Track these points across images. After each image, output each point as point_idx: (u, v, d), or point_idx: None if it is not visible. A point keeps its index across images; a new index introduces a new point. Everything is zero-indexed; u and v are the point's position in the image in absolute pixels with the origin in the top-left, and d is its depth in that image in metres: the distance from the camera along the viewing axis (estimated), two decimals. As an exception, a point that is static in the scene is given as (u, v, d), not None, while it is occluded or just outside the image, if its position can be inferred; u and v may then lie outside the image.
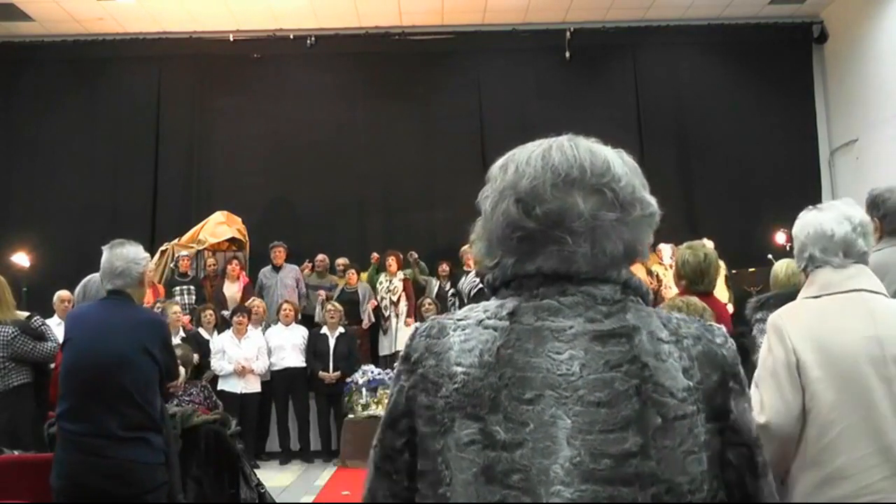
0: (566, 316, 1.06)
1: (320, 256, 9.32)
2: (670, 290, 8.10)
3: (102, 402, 2.94)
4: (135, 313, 3.14)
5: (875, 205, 3.15)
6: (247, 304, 8.46)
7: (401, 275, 9.07)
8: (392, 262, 9.06)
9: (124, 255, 3.11)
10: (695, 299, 3.02)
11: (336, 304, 8.49)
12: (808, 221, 2.14)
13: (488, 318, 1.09)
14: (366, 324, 8.95)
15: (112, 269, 3.10)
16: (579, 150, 1.11)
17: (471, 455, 1.02)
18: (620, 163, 1.12)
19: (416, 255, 9.27)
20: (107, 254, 3.13)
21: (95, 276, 3.59)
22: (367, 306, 8.96)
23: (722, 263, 6.72)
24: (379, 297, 9.01)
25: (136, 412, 2.95)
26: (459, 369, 1.05)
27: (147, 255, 3.25)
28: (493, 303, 1.12)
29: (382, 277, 9.09)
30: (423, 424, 1.07)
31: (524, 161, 1.13)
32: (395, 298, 8.92)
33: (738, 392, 1.08)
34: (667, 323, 1.08)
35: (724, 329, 1.12)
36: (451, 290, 9.01)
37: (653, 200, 1.13)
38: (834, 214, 2.11)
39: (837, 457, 1.91)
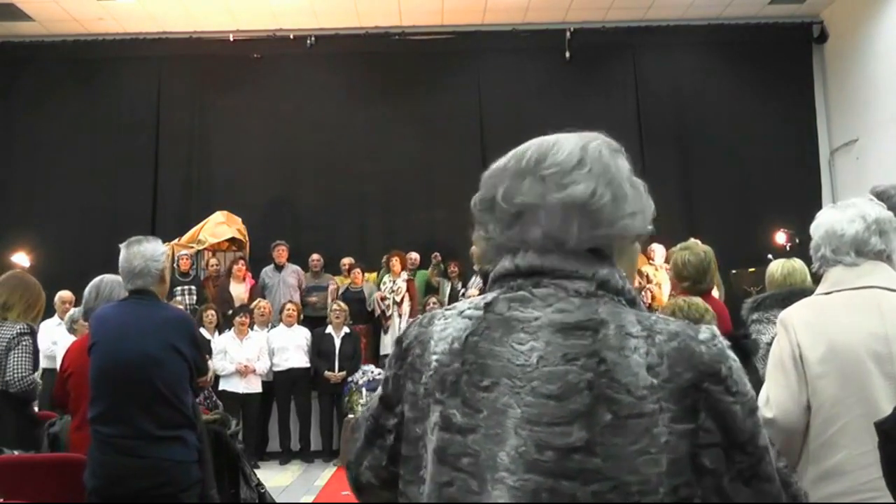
0: (536, 307, 1.07)
1: (314, 256, 9.32)
2: (661, 288, 8.10)
3: (136, 403, 2.92)
4: (160, 311, 3.10)
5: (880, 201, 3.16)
6: (252, 304, 8.48)
7: (405, 275, 9.07)
8: (396, 262, 9.05)
9: (143, 253, 3.04)
10: (697, 300, 3.01)
11: (341, 303, 8.49)
12: (822, 221, 2.14)
13: (468, 307, 1.12)
14: (376, 311, 8.93)
15: (131, 269, 3.04)
16: (537, 142, 1.13)
17: (435, 437, 1.06)
18: (572, 154, 1.09)
19: (439, 257, 9.26)
20: (124, 253, 3.07)
21: (107, 276, 3.56)
22: (374, 297, 8.97)
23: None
24: (381, 298, 9.00)
25: (169, 410, 2.94)
26: (434, 357, 1.09)
27: (165, 249, 3.19)
28: (481, 296, 1.14)
29: (386, 278, 9.08)
30: (409, 410, 1.12)
31: None
32: (398, 298, 8.90)
33: (715, 393, 1.01)
34: (642, 320, 1.05)
35: (714, 329, 1.07)
36: (462, 291, 9.00)
37: (585, 189, 1.06)
38: (848, 214, 2.09)
39: (837, 453, 1.91)
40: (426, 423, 1.08)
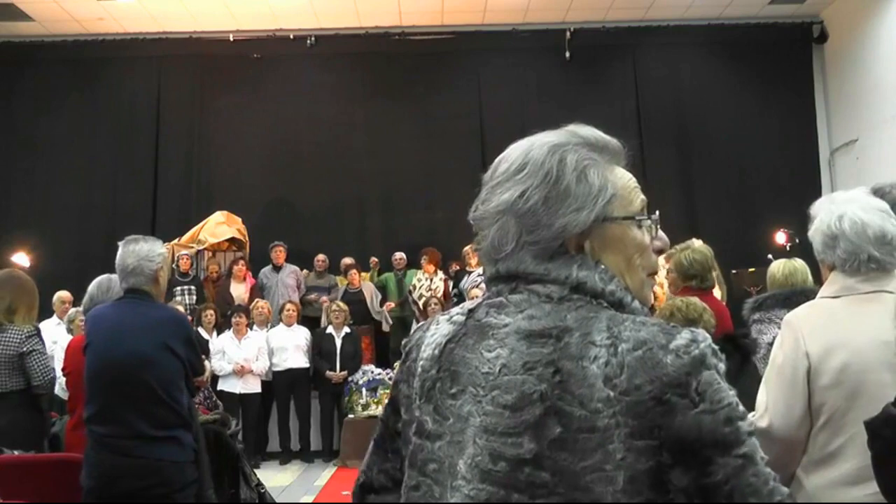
0: (508, 312, 1.05)
1: (320, 256, 9.34)
2: (663, 288, 8.06)
3: (129, 403, 2.92)
4: (153, 311, 3.08)
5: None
6: (251, 304, 8.48)
7: (441, 274, 9.09)
8: (426, 261, 9.07)
9: (137, 252, 3.04)
10: (695, 299, 3.01)
11: (341, 304, 8.50)
12: (860, 220, 2.00)
13: (457, 313, 1.13)
14: (385, 327, 8.98)
15: (125, 268, 3.04)
16: (503, 153, 1.13)
17: (411, 442, 1.09)
18: (514, 162, 1.09)
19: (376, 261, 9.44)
20: (121, 251, 3.07)
21: (107, 276, 3.57)
22: (382, 309, 8.97)
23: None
24: (417, 296, 8.99)
25: (163, 410, 2.94)
26: (420, 363, 1.11)
27: (163, 251, 3.16)
28: (470, 301, 1.16)
29: (421, 275, 9.08)
30: (404, 413, 1.14)
31: None
32: (439, 296, 8.83)
33: (680, 406, 0.94)
34: (612, 326, 0.99)
35: (696, 334, 0.99)
36: (455, 290, 9.01)
37: (512, 194, 1.06)
38: (874, 212, 2.01)
39: (848, 460, 1.86)
40: (412, 426, 1.10)
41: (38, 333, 4.06)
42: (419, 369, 1.10)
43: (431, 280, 9.01)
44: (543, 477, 0.95)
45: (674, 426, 0.94)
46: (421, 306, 8.86)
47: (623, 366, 0.96)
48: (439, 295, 8.80)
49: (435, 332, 1.12)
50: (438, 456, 1.03)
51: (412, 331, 1.20)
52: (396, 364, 7.77)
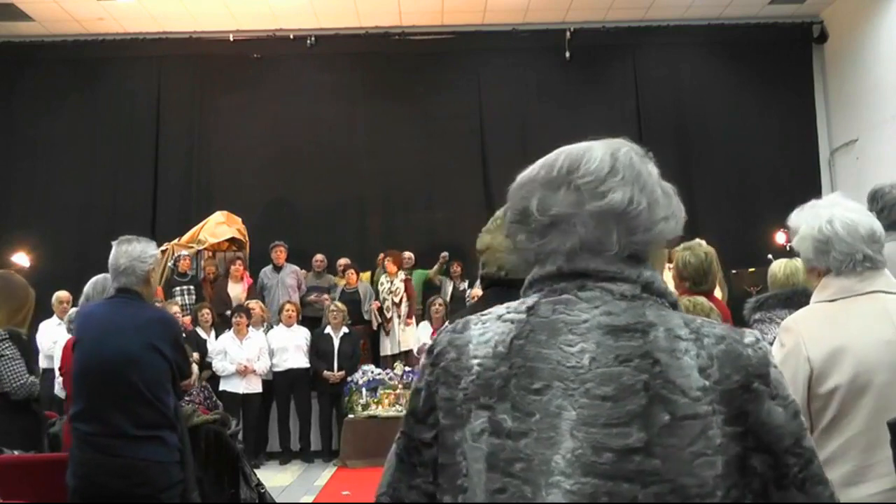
0: (582, 309, 1.06)
1: (318, 256, 9.33)
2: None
3: (114, 402, 2.92)
4: (143, 311, 3.08)
5: (874, 199, 3.17)
6: (245, 305, 8.46)
7: (401, 275, 9.04)
8: (390, 262, 9.03)
9: (129, 252, 3.05)
10: (702, 299, 2.99)
11: (339, 304, 8.49)
12: (851, 220, 2.00)
13: (508, 312, 1.11)
14: (374, 325, 8.95)
15: (117, 267, 3.05)
16: (566, 150, 1.13)
17: (482, 444, 1.03)
18: (603, 162, 1.10)
19: (447, 256, 9.24)
20: (114, 250, 3.08)
21: (103, 275, 3.57)
22: (370, 307, 8.95)
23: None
24: (381, 298, 8.98)
25: (148, 410, 2.93)
26: (475, 361, 1.07)
27: (156, 252, 3.16)
28: (517, 301, 1.13)
29: (383, 278, 9.05)
30: (444, 417, 1.09)
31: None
32: (396, 300, 8.88)
33: (764, 394, 1.03)
34: (689, 323, 1.06)
35: (756, 333, 1.08)
36: (468, 290, 8.97)
37: (622, 197, 1.07)
38: (862, 212, 2.02)
39: (848, 461, 1.86)
40: (465, 430, 1.05)
41: (9, 338, 3.81)
42: (475, 368, 1.07)
43: (392, 282, 8.97)
44: (654, 464, 0.97)
45: (759, 412, 1.02)
46: (386, 309, 8.84)
47: (712, 357, 1.02)
48: (399, 298, 8.78)
49: (484, 332, 1.09)
50: (526, 454, 1.00)
51: (439, 332, 1.16)
52: (397, 364, 7.63)
